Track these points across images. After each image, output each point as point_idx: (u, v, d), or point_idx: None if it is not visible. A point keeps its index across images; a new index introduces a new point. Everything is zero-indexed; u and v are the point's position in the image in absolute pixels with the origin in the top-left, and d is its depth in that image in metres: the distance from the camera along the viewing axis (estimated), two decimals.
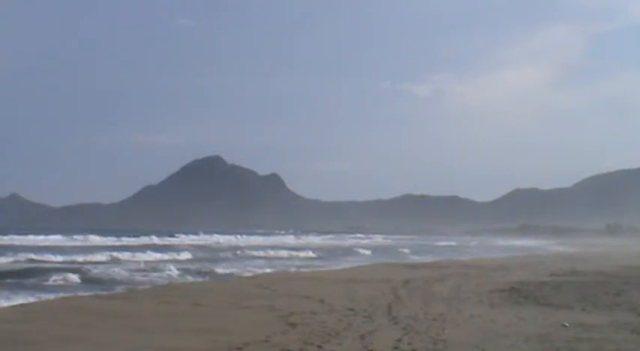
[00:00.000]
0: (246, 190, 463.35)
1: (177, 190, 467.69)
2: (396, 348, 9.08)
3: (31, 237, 55.28)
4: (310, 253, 42.54)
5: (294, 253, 41.41)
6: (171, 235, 71.78)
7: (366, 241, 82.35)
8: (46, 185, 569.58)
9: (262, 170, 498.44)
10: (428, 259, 39.45)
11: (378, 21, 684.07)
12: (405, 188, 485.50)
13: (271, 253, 41.69)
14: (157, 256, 34.60)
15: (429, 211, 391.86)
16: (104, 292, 17.11)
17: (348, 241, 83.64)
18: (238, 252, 42.11)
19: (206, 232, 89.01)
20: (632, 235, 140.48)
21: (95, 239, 58.38)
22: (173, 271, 24.46)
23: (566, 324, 11.33)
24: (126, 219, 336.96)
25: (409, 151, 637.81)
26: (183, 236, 71.56)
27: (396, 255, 45.70)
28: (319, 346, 9.09)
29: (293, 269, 27.82)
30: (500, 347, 9.34)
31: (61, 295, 16.22)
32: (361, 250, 49.62)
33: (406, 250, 51.97)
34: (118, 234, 66.71)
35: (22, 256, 31.04)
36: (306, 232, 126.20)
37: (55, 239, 55.63)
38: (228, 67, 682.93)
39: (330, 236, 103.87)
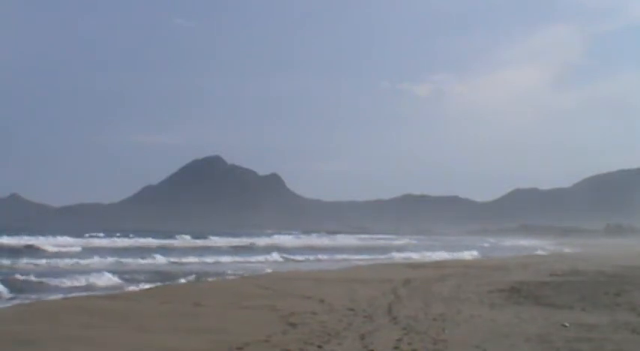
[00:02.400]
0: (246, 190, 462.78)
1: (177, 190, 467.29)
2: (396, 348, 9.09)
3: (107, 241, 53.83)
4: None
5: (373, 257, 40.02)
6: (200, 237, 67.94)
7: (399, 243, 77.51)
8: (46, 185, 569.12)
9: (262, 170, 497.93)
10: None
11: (378, 21, 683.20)
12: (405, 188, 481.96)
13: (355, 257, 39.92)
14: (244, 257, 35.82)
15: (429, 211, 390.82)
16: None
17: (378, 242, 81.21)
18: (311, 257, 39.03)
19: (215, 233, 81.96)
20: (632, 235, 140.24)
21: (152, 242, 53.88)
22: None
23: (566, 324, 11.34)
24: (126, 219, 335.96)
25: (409, 151, 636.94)
26: (215, 238, 67.70)
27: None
28: (319, 346, 9.10)
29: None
30: (500, 347, 9.35)
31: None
32: (441, 253, 46.33)
33: (474, 252, 48.95)
34: (144, 235, 63.01)
35: (161, 259, 31.51)
36: (309, 233, 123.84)
37: (119, 241, 53.86)
38: (228, 67, 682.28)
39: (350, 237, 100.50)
